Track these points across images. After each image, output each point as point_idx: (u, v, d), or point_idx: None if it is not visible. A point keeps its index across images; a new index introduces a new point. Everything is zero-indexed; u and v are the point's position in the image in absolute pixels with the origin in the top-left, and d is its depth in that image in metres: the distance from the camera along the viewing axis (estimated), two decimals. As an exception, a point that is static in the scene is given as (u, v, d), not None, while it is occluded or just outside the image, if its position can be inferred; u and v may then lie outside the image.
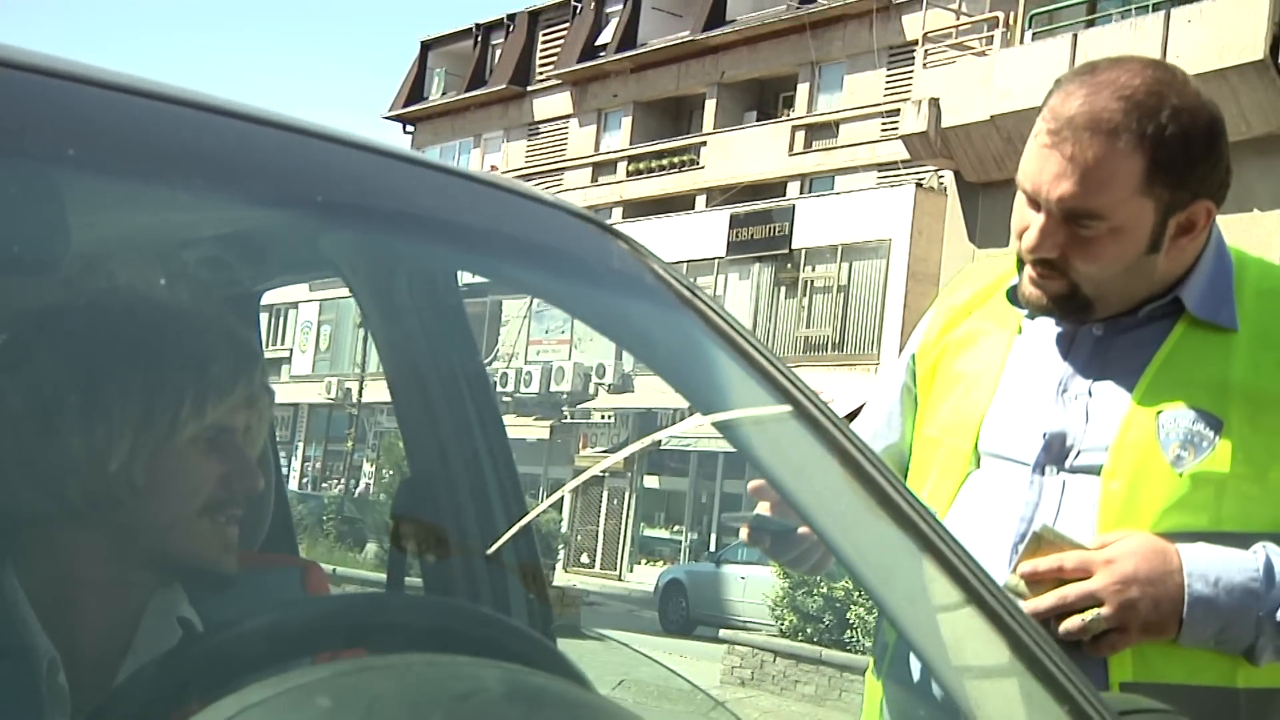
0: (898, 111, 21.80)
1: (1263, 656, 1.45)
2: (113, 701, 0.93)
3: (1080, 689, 1.00)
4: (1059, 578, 1.46)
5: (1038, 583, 1.47)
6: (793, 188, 27.61)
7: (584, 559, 25.84)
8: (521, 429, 26.03)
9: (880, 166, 25.75)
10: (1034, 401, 1.57)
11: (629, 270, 1.19)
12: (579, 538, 25.99)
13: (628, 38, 31.90)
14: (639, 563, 25.50)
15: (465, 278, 1.56)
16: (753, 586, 15.97)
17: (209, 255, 1.45)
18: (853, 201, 23.69)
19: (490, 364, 25.81)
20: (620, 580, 24.73)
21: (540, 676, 0.89)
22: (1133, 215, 1.49)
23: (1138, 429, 1.50)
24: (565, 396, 25.88)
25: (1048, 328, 1.62)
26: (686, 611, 18.55)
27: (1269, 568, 1.45)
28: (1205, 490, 1.47)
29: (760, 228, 24.89)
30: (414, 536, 1.59)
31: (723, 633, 12.24)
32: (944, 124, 18.39)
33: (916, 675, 1.48)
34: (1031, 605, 1.46)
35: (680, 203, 29.60)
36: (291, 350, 25.93)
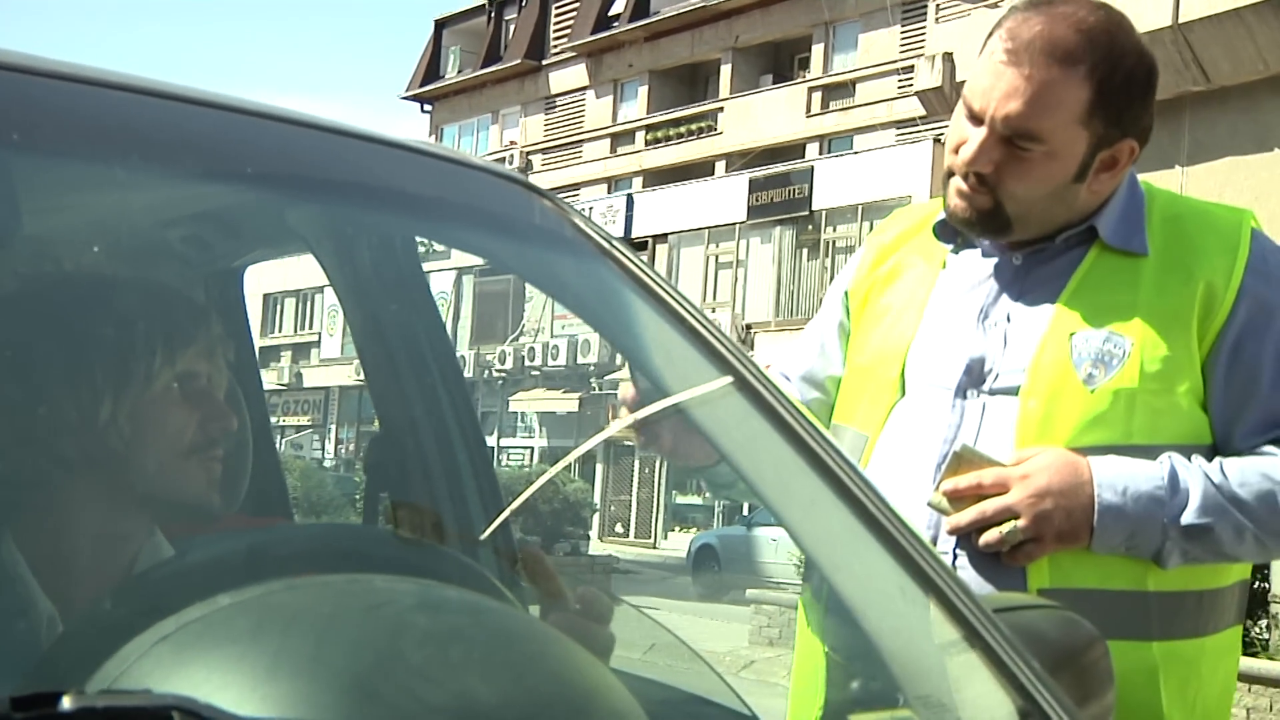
0: (913, 68, 21.69)
1: (1170, 560, 1.54)
2: (67, 637, 1.02)
3: (959, 594, 1.09)
4: (979, 494, 1.55)
5: (959, 499, 1.55)
6: (811, 149, 27.54)
7: (618, 528, 25.98)
8: (551, 402, 26.16)
9: (898, 124, 25.64)
10: (956, 329, 1.66)
11: (550, 226, 1.29)
12: (612, 508, 26.12)
13: (640, 6, 31.82)
14: (673, 529, 25.60)
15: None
16: (784, 548, 16.06)
17: (186, 233, 1.56)
18: (872, 160, 23.62)
19: (516, 341, 25.89)
20: (655, 548, 24.85)
21: (452, 589, 0.99)
22: (1068, 142, 1.58)
23: (1052, 350, 1.59)
24: (593, 369, 25.99)
25: (971, 260, 1.71)
26: (719, 575, 18.67)
27: (1174, 476, 1.53)
28: (1116, 406, 1.56)
29: (780, 191, 24.86)
30: (383, 490, 1.70)
31: (749, 593, 12.31)
32: (959, 78, 18.27)
33: (830, 594, 1.57)
34: (953, 520, 1.56)
35: (699, 169, 29.58)
36: (320, 334, 26.10)
